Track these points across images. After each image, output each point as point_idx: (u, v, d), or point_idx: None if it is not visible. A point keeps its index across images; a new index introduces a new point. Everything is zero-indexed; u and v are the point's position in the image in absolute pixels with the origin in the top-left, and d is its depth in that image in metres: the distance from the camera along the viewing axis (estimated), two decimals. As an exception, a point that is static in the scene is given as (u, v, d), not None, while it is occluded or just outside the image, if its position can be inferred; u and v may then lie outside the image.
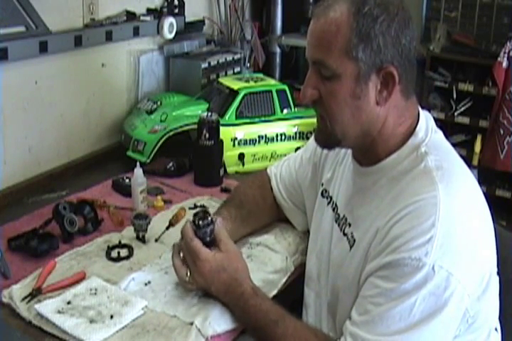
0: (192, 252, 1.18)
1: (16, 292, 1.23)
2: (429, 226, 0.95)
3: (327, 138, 1.11)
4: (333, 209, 1.23)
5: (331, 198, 1.26)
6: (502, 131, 2.87)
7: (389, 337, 0.96)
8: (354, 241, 1.11)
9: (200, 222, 1.21)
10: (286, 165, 1.48)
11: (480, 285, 1.01)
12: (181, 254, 1.23)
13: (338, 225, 1.18)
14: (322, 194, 1.30)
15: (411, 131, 1.09)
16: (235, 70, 2.41)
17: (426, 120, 1.11)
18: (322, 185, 1.31)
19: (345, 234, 1.15)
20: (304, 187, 1.41)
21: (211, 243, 1.23)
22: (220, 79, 2.15)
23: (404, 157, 1.07)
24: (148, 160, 1.90)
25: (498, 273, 1.08)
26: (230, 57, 2.39)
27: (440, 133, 1.12)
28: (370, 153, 1.11)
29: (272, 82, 2.15)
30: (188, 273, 1.19)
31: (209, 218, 1.22)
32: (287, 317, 1.11)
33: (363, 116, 1.05)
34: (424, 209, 0.97)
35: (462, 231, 0.97)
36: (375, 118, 1.06)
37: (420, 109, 1.14)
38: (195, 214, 1.23)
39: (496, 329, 1.13)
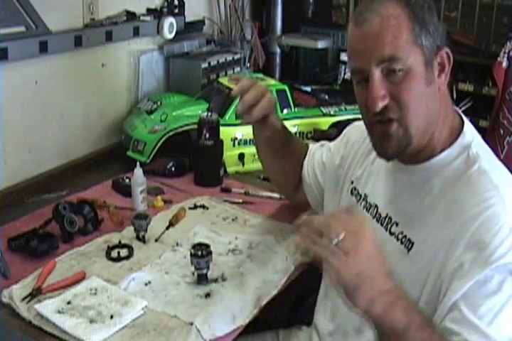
0: (359, 219, 0.97)
1: (16, 292, 1.23)
2: (508, 231, 0.96)
3: (399, 142, 1.06)
4: (367, 209, 1.21)
5: (361, 197, 1.25)
6: (502, 131, 2.86)
7: None
8: (412, 244, 1.08)
9: (203, 252, 1.29)
10: (321, 150, 1.48)
11: None
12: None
13: (382, 225, 1.16)
14: (351, 192, 1.29)
15: (458, 129, 1.10)
16: (235, 70, 2.42)
17: (466, 119, 1.13)
18: (352, 182, 1.30)
19: (392, 234, 1.13)
20: (328, 173, 1.41)
21: (207, 277, 1.30)
22: (220, 79, 2.15)
23: (456, 156, 1.07)
24: (148, 160, 1.90)
25: None
26: (230, 57, 2.39)
27: (477, 131, 1.13)
28: (422, 150, 1.09)
29: (272, 82, 2.15)
30: (342, 236, 0.90)
31: (208, 249, 1.30)
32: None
33: (434, 104, 1.06)
34: (498, 215, 0.97)
35: None
36: (437, 106, 1.07)
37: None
38: (194, 246, 1.31)
39: None
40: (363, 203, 1.24)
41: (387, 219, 1.15)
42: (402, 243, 1.10)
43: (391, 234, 1.13)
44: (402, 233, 1.11)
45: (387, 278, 0.94)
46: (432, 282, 1.02)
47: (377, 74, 1.03)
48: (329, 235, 0.90)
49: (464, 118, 1.13)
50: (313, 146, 1.53)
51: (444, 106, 1.09)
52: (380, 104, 1.03)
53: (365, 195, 1.24)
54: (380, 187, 1.20)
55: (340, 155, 1.37)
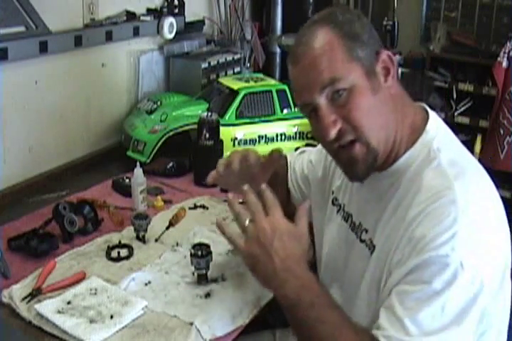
0: (271, 200, 1.07)
1: (16, 292, 1.23)
2: (451, 222, 0.94)
3: (366, 160, 1.06)
4: (345, 219, 1.21)
5: (341, 206, 1.25)
6: (502, 131, 2.87)
7: (424, 338, 0.93)
8: (374, 246, 1.09)
9: (203, 252, 1.29)
10: (300, 161, 1.47)
11: (500, 279, 0.99)
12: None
13: (356, 233, 1.16)
14: (333, 202, 1.29)
15: (420, 126, 1.08)
16: (235, 70, 2.42)
17: (434, 114, 1.12)
18: (333, 193, 1.30)
19: (362, 241, 1.13)
20: (313, 185, 1.40)
21: (206, 277, 1.31)
22: (220, 79, 2.15)
23: (417, 155, 1.06)
24: (148, 160, 1.91)
25: None
26: (230, 57, 2.39)
27: (446, 126, 1.12)
28: (387, 156, 1.08)
29: (272, 82, 2.15)
30: (247, 222, 1.05)
31: (208, 249, 1.31)
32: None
33: (387, 109, 1.05)
34: (444, 207, 0.96)
35: (483, 225, 0.97)
36: (391, 110, 1.06)
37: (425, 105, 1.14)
38: (194, 246, 1.31)
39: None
40: (342, 213, 1.24)
41: (359, 227, 1.16)
42: (369, 249, 1.11)
43: (361, 241, 1.14)
44: (370, 239, 1.11)
45: (282, 264, 1.01)
46: (384, 279, 1.03)
47: (322, 101, 1.03)
48: (241, 219, 1.06)
49: (431, 112, 1.12)
50: (291, 157, 1.50)
51: (401, 107, 1.08)
52: (334, 131, 1.03)
53: (344, 204, 1.24)
54: (353, 196, 1.21)
55: (323, 166, 1.36)
